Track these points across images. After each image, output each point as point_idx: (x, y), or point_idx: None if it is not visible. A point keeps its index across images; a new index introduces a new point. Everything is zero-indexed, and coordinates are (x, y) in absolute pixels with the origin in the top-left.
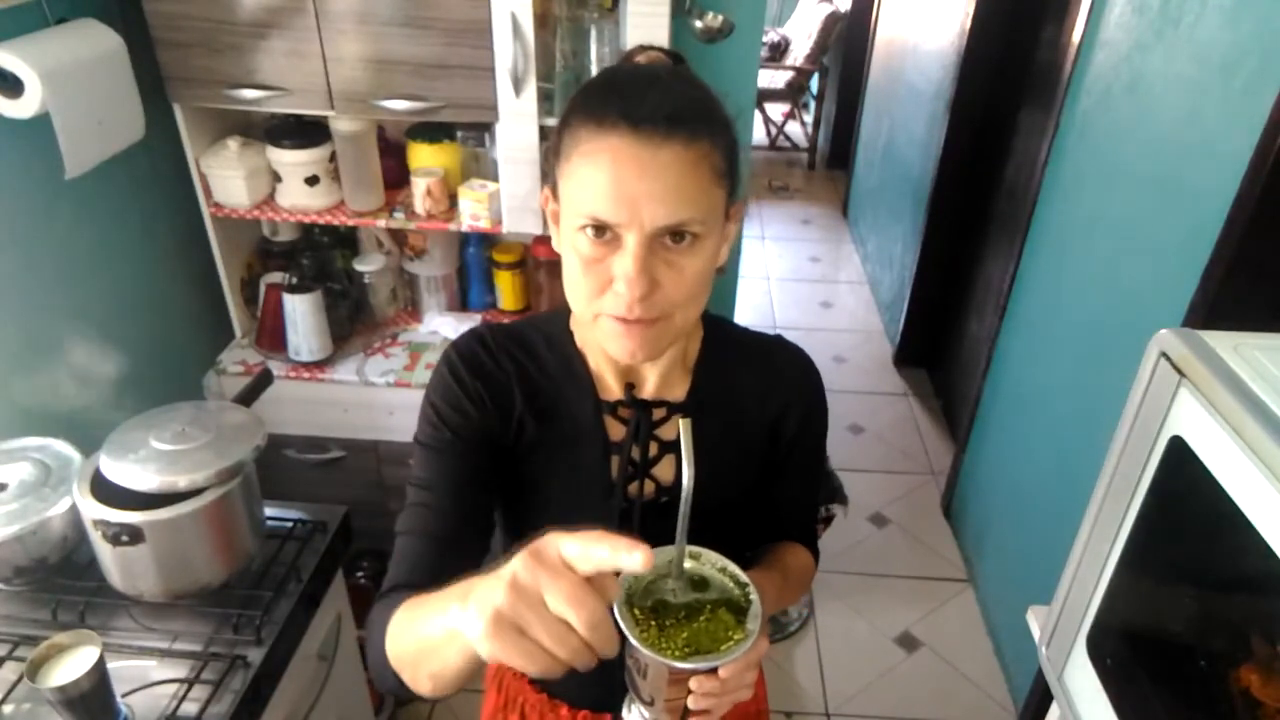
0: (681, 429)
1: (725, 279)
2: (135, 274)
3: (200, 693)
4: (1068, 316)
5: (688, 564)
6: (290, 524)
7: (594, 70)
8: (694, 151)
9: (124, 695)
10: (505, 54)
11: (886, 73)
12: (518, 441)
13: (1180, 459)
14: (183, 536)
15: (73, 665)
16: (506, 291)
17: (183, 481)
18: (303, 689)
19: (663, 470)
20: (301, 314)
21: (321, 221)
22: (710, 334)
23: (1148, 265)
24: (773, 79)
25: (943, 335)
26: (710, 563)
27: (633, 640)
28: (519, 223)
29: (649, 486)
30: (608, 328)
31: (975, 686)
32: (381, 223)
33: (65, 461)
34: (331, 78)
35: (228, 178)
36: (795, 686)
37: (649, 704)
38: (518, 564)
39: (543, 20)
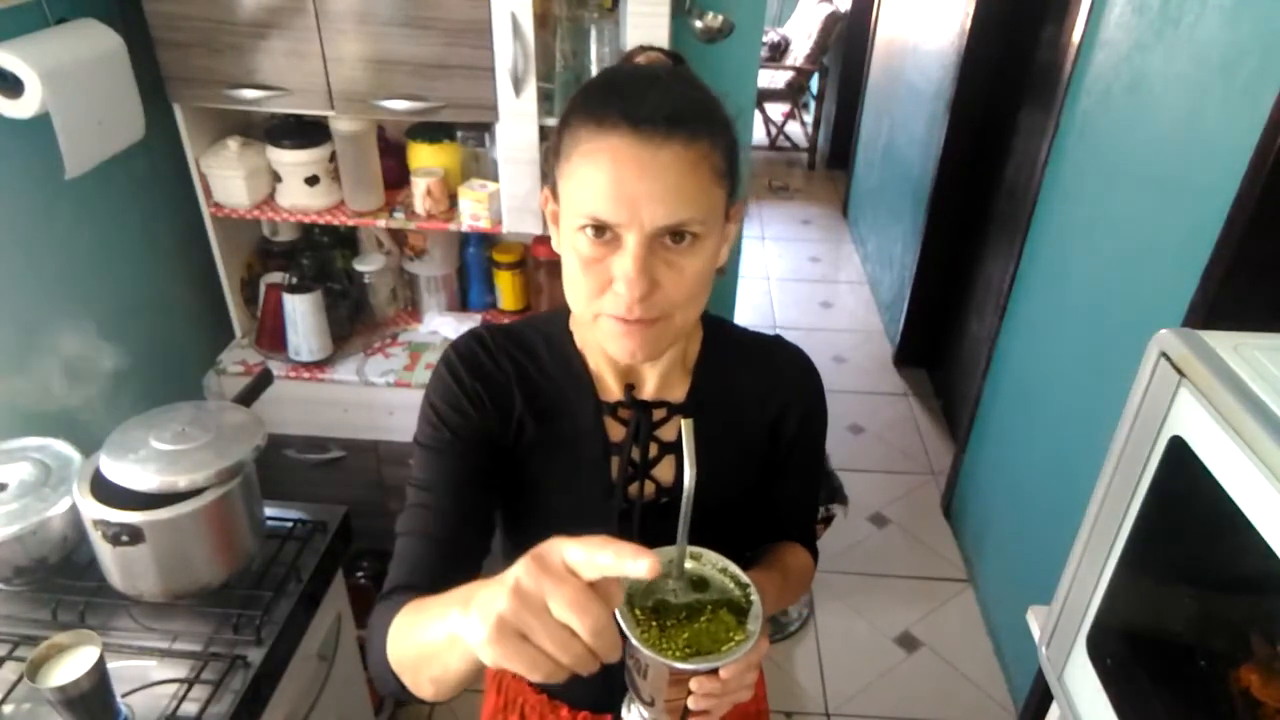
0: (684, 430)
1: (725, 279)
2: (135, 274)
3: (200, 693)
4: (1068, 316)
5: (688, 564)
6: (290, 524)
7: (594, 70)
8: (694, 152)
9: (124, 695)
10: (505, 54)
11: (886, 73)
12: (517, 442)
13: (1180, 459)
14: (183, 536)
15: (73, 665)
16: (506, 291)
17: (183, 481)
18: (303, 689)
19: (663, 471)
20: (301, 314)
21: (321, 221)
22: (710, 334)
23: (1148, 265)
24: (773, 79)
25: (943, 335)
26: (711, 563)
27: (633, 641)
28: (519, 223)
29: (649, 487)
30: (607, 328)
31: (975, 686)
32: (381, 223)
33: (65, 461)
34: (331, 78)
35: (228, 178)
36: (795, 686)
37: (649, 704)
38: (521, 570)
39: (543, 20)
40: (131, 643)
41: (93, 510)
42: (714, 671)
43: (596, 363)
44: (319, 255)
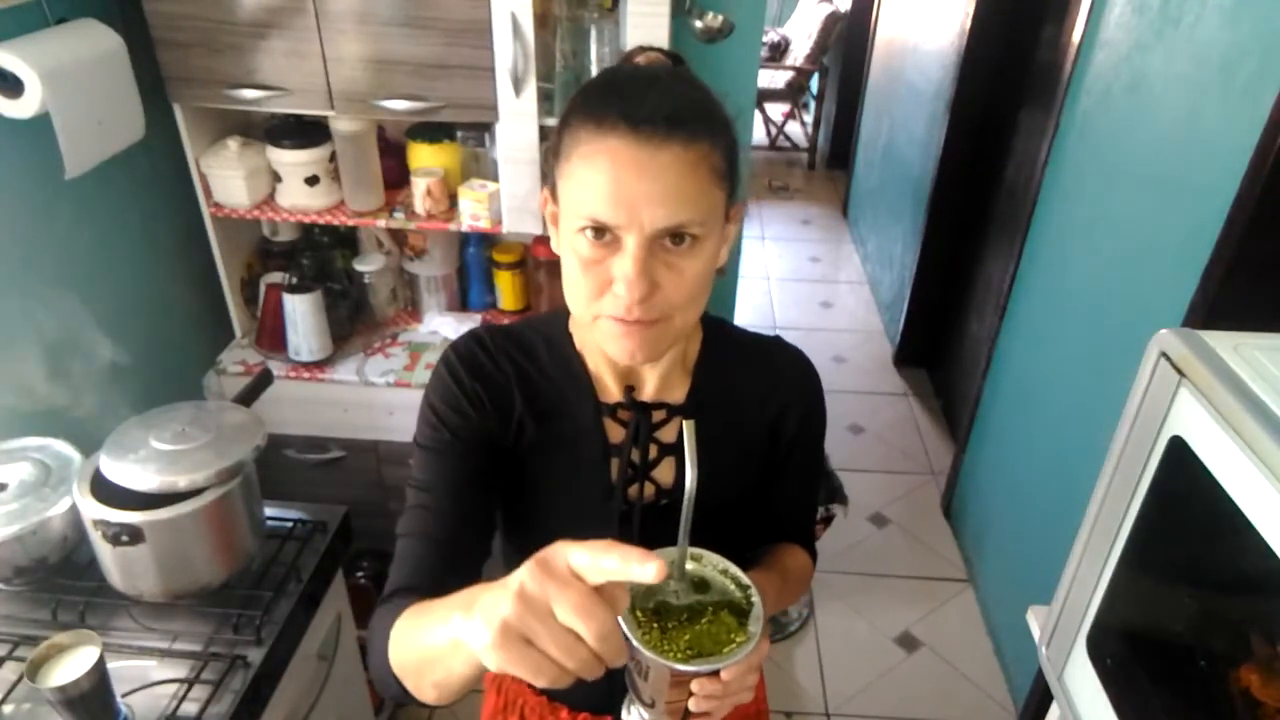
0: (685, 431)
1: (725, 279)
2: (135, 274)
3: (200, 693)
4: (1068, 316)
5: (689, 566)
6: (290, 524)
7: (594, 70)
8: (693, 153)
9: (124, 695)
10: (505, 54)
11: (886, 73)
12: (517, 443)
13: (1180, 459)
14: (183, 536)
15: (73, 665)
16: (506, 291)
17: (183, 481)
18: (303, 689)
19: (662, 472)
20: (301, 314)
21: (321, 221)
22: (710, 335)
23: (1148, 265)
24: (773, 79)
25: (943, 335)
26: (712, 564)
27: (634, 642)
28: (519, 223)
29: (649, 489)
30: (607, 329)
31: (975, 686)
32: (381, 223)
33: (65, 461)
34: (331, 78)
35: (228, 178)
36: (795, 686)
37: (650, 706)
38: (525, 574)
39: (543, 20)
40: (131, 643)
41: (93, 510)
42: (715, 673)
43: (596, 364)
44: (319, 255)
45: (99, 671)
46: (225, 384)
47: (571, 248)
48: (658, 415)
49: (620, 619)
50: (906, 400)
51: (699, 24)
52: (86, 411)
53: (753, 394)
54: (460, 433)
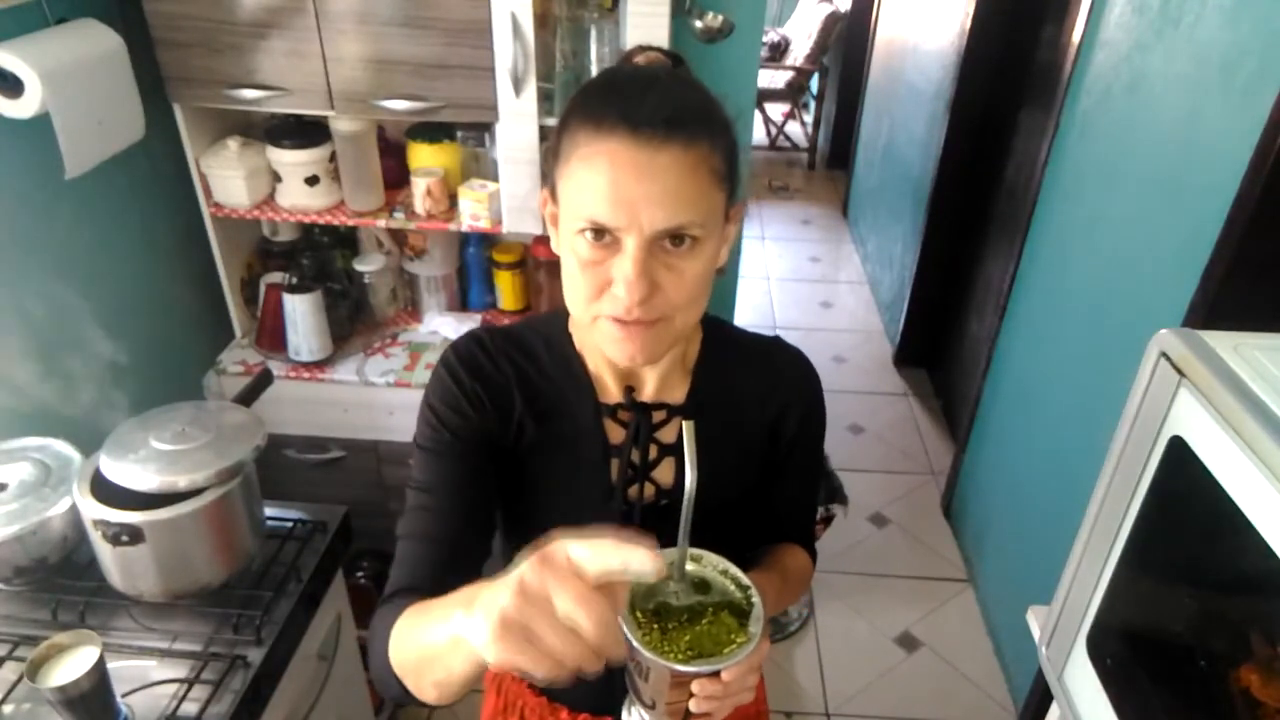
0: (685, 432)
1: (725, 279)
2: (135, 274)
3: (200, 693)
4: (1068, 316)
5: (689, 566)
6: (290, 524)
7: (594, 70)
8: (693, 154)
9: (124, 695)
10: (505, 54)
11: (886, 73)
12: (517, 443)
13: (1180, 459)
14: (183, 536)
15: (73, 665)
16: (506, 291)
17: (183, 481)
18: (303, 689)
19: (662, 473)
20: (301, 314)
21: (321, 221)
22: (709, 335)
23: (1148, 265)
24: (773, 79)
25: (943, 335)
26: (712, 565)
27: (635, 643)
28: (519, 223)
29: (649, 489)
30: (607, 331)
31: (975, 686)
32: (381, 223)
33: (65, 461)
34: (331, 78)
35: (228, 178)
36: (795, 686)
37: (650, 707)
38: (525, 568)
39: (543, 20)
40: (131, 643)
41: (93, 510)
42: (716, 674)
43: (596, 364)
44: (319, 255)
45: (99, 671)
46: (225, 384)
47: (571, 249)
48: (658, 416)
49: (620, 619)
50: (906, 400)
51: (699, 24)
52: (86, 411)
53: (752, 394)
54: (460, 433)
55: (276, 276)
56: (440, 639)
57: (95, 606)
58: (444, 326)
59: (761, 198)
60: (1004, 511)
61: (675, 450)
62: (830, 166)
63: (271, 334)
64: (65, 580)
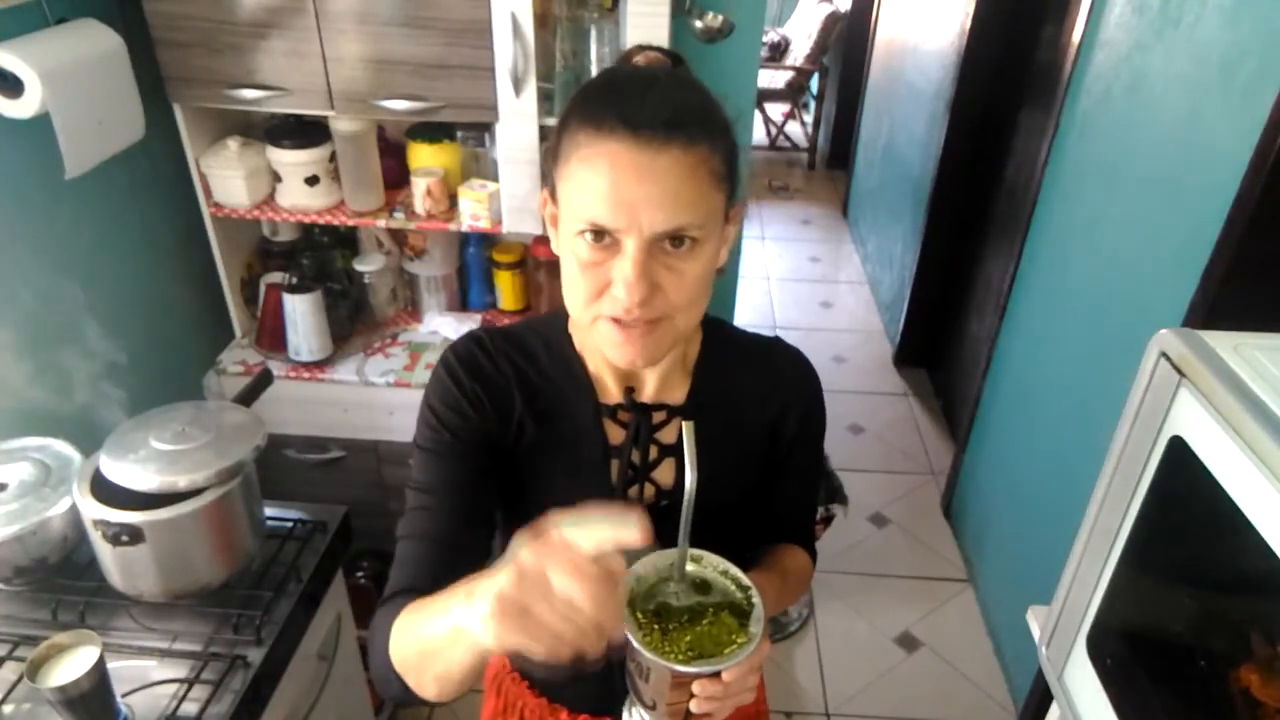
0: (685, 432)
1: (725, 279)
2: (135, 274)
3: (200, 693)
4: (1068, 316)
5: (689, 567)
6: (290, 524)
7: (594, 70)
8: (693, 156)
9: (124, 695)
10: (505, 54)
11: (886, 73)
12: (517, 444)
13: (1180, 459)
14: (183, 536)
15: (73, 665)
16: (506, 291)
17: (183, 481)
18: (303, 689)
19: (663, 473)
20: (301, 314)
21: (321, 221)
22: (709, 336)
23: (1148, 265)
24: (773, 79)
25: (943, 335)
26: (712, 565)
27: (635, 643)
28: (519, 223)
29: (649, 490)
30: (607, 333)
31: (975, 686)
32: (381, 223)
33: (65, 461)
34: (331, 78)
35: (228, 178)
36: (795, 686)
37: (651, 707)
38: (521, 550)
39: (543, 20)
40: (131, 643)
41: (93, 510)
42: (716, 674)
43: (596, 365)
44: (319, 255)
45: (99, 671)
46: (225, 384)
47: (571, 250)
48: (658, 416)
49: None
50: (906, 400)
51: (699, 24)
52: (86, 412)
53: (752, 394)
54: (460, 434)
55: (276, 276)
56: (441, 631)
57: (95, 606)
58: (444, 326)
59: (761, 198)
60: (1004, 511)
61: (675, 451)
62: (830, 166)
63: (271, 334)
64: (65, 580)
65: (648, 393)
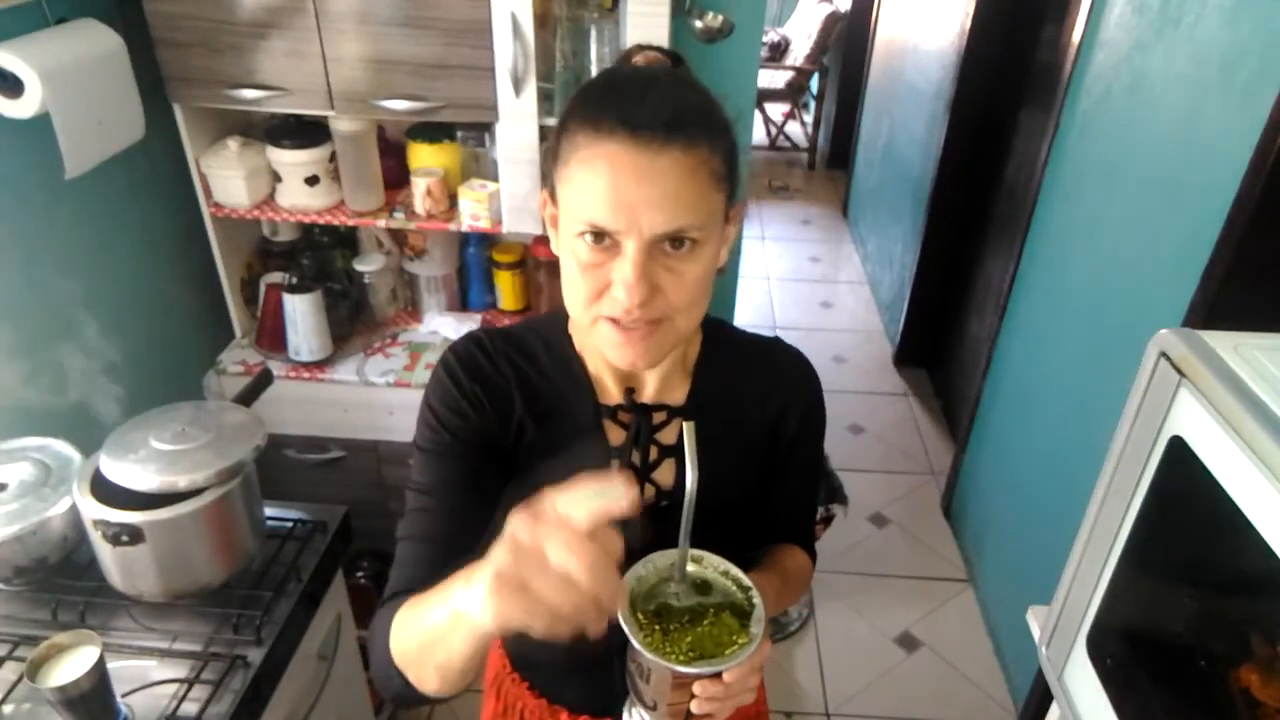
0: (685, 433)
1: (725, 279)
2: (135, 274)
3: (200, 693)
4: (1068, 316)
5: (690, 567)
6: (290, 524)
7: (594, 70)
8: (693, 157)
9: (124, 695)
10: (505, 54)
11: (886, 73)
12: (517, 445)
13: (1180, 459)
14: (183, 536)
15: (73, 665)
16: (506, 292)
17: (183, 481)
18: (303, 689)
19: (663, 474)
20: (301, 314)
21: (321, 221)
22: (709, 336)
23: (1148, 265)
24: (773, 79)
25: (943, 335)
26: (713, 566)
27: (636, 644)
28: (519, 223)
29: (649, 491)
30: (607, 335)
31: (975, 686)
32: (381, 223)
33: (65, 461)
34: (331, 78)
35: (228, 178)
36: (795, 686)
37: (651, 708)
38: (515, 524)
39: (543, 20)
40: (131, 643)
41: (93, 510)
42: (718, 675)
43: (596, 366)
44: (319, 255)
45: (99, 671)
46: (225, 384)
47: (571, 251)
48: (658, 417)
49: (622, 621)
50: (906, 400)
51: (699, 24)
52: (86, 411)
53: (752, 395)
54: (460, 435)
55: (276, 276)
56: (441, 618)
57: (95, 606)
58: (444, 326)
59: (761, 198)
60: (1004, 511)
61: (675, 451)
62: (830, 166)
63: (271, 334)
64: (65, 580)
65: (648, 393)
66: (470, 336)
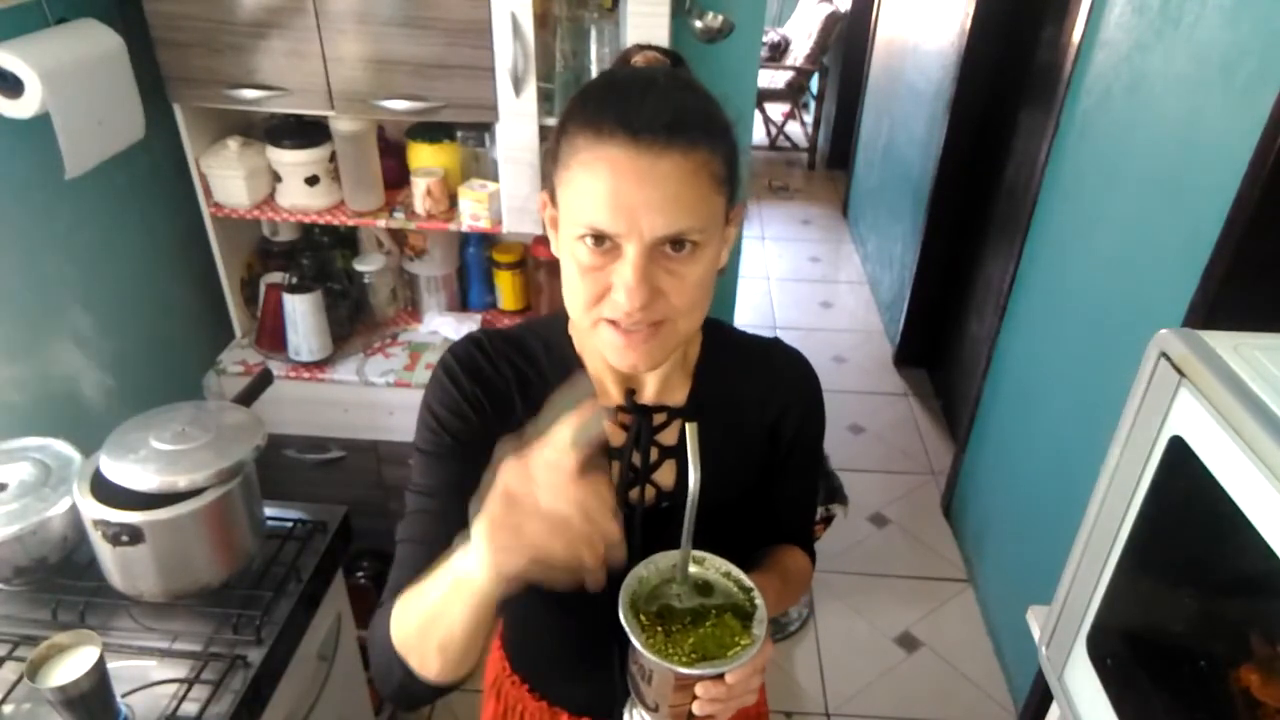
0: (688, 434)
1: (725, 280)
2: (135, 274)
3: (200, 693)
4: (1068, 316)
5: (692, 569)
6: (290, 524)
7: (594, 70)
8: (693, 160)
9: (124, 695)
10: (505, 54)
11: (886, 73)
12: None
13: (1180, 459)
14: (183, 536)
15: (73, 665)
16: (506, 292)
17: (183, 481)
18: (303, 689)
19: (663, 476)
20: (301, 314)
21: (321, 221)
22: (709, 337)
23: (1148, 265)
24: (773, 79)
25: (943, 335)
26: (714, 567)
27: (638, 645)
28: (519, 223)
29: (649, 492)
30: (608, 337)
31: (975, 686)
32: (381, 223)
33: (65, 461)
34: (331, 78)
35: (228, 178)
36: (795, 686)
37: (653, 710)
38: (505, 473)
39: (543, 20)
40: (131, 643)
41: (93, 510)
42: (719, 676)
43: (596, 367)
44: (319, 255)
45: (99, 671)
46: (225, 384)
47: (571, 254)
48: (658, 418)
49: (624, 622)
50: (906, 400)
51: (699, 24)
52: (86, 411)
53: (753, 396)
54: (460, 436)
55: (276, 276)
56: (442, 589)
57: (95, 606)
58: (444, 326)
59: (761, 198)
60: (1004, 511)
61: (676, 452)
62: (830, 166)
63: (271, 334)
64: (65, 580)
65: (648, 395)
66: (470, 338)
